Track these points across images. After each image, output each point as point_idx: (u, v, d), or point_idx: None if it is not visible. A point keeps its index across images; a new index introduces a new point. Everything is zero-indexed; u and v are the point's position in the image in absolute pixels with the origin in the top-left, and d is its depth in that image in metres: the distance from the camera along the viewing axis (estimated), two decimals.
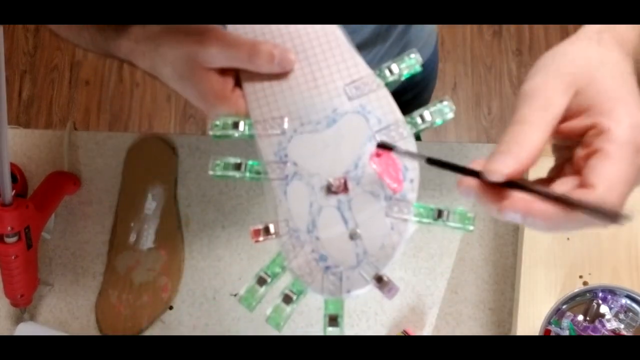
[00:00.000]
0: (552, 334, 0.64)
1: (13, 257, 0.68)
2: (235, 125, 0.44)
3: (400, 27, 0.76)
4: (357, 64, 0.44)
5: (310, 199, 0.42)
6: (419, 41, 0.85)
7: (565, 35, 1.74)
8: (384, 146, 0.40)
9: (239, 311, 0.75)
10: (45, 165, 0.80)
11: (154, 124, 1.82)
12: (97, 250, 0.77)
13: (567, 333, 0.63)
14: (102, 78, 1.86)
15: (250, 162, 0.43)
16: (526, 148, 0.34)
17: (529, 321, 0.66)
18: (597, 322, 0.63)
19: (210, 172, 0.43)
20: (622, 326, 0.63)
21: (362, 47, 0.72)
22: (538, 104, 0.35)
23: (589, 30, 0.39)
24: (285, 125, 0.43)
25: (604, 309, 0.64)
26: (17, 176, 0.78)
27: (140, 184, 0.77)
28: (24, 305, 0.73)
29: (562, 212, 0.32)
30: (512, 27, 1.83)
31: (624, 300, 0.64)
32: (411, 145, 0.42)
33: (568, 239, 0.68)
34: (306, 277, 0.41)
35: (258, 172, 0.43)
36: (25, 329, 0.73)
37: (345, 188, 0.41)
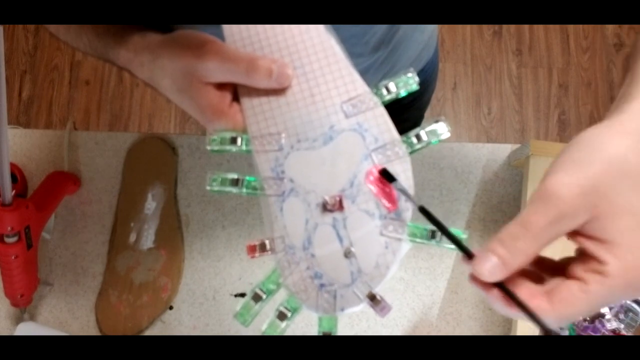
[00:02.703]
0: (552, 334, 0.64)
1: (13, 257, 0.68)
2: (233, 141, 0.44)
3: (401, 31, 0.76)
4: (354, 81, 0.44)
5: (306, 216, 0.42)
6: (420, 45, 0.85)
7: (565, 36, 1.74)
8: (386, 175, 0.41)
9: None
10: (45, 165, 0.80)
11: (154, 124, 1.82)
12: (97, 250, 0.77)
13: (567, 333, 0.63)
14: (102, 78, 1.86)
15: (247, 178, 0.43)
16: (519, 259, 0.34)
17: (529, 321, 0.66)
18: (597, 322, 0.63)
19: (208, 188, 0.43)
20: (622, 326, 0.63)
21: (365, 54, 0.72)
22: (551, 213, 0.34)
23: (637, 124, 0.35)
24: (283, 141, 0.43)
25: (604, 309, 0.64)
26: (17, 176, 0.78)
27: (140, 184, 0.77)
28: (24, 305, 0.73)
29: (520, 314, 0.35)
30: (512, 27, 1.83)
31: (623, 300, 0.64)
32: (407, 165, 0.42)
33: (569, 238, 0.67)
34: (301, 294, 0.41)
35: (255, 188, 0.43)
36: (25, 329, 0.73)
37: (340, 206, 0.42)
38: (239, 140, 0.44)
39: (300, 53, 0.45)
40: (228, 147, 0.44)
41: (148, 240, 0.76)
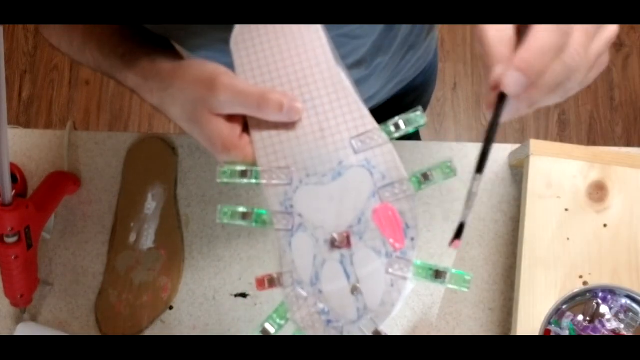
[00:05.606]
0: (552, 334, 0.64)
1: (13, 257, 0.68)
2: (243, 174, 0.44)
3: (400, 36, 0.76)
4: (363, 117, 0.44)
5: (314, 251, 0.42)
6: (420, 47, 0.85)
7: None
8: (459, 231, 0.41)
9: (239, 311, 0.75)
10: (45, 165, 0.80)
11: (154, 124, 1.82)
12: (97, 250, 0.77)
13: (567, 333, 0.63)
14: (102, 78, 1.86)
15: (257, 211, 0.44)
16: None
17: (529, 321, 0.66)
18: (597, 322, 0.63)
19: (218, 220, 0.44)
20: (622, 326, 0.63)
21: (364, 58, 0.72)
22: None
23: None
24: (292, 176, 0.44)
25: (603, 309, 0.64)
26: (17, 176, 0.78)
27: (140, 184, 0.77)
28: (24, 305, 0.73)
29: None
30: None
31: (623, 300, 0.64)
32: (413, 204, 0.43)
33: (568, 239, 0.68)
34: (309, 330, 0.42)
35: (265, 222, 0.44)
36: (25, 329, 0.73)
37: (348, 243, 0.42)
38: (248, 174, 0.44)
39: (310, 86, 0.45)
40: (238, 180, 0.44)
41: (148, 240, 0.76)
